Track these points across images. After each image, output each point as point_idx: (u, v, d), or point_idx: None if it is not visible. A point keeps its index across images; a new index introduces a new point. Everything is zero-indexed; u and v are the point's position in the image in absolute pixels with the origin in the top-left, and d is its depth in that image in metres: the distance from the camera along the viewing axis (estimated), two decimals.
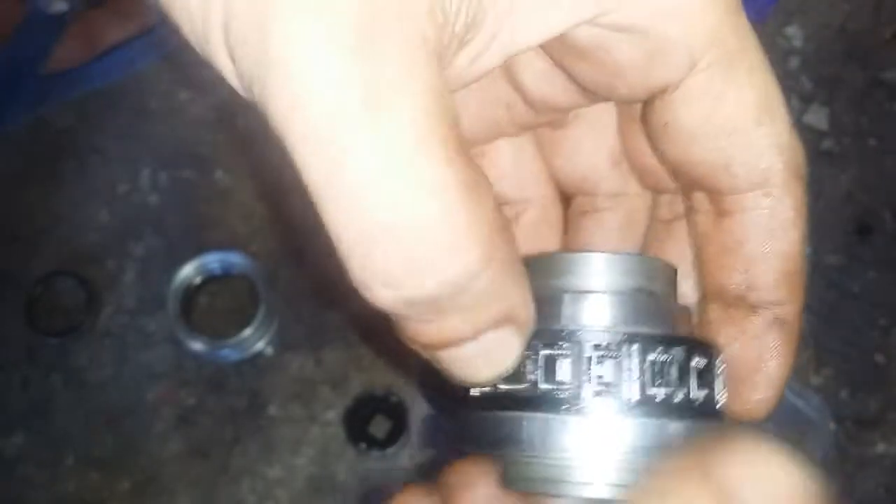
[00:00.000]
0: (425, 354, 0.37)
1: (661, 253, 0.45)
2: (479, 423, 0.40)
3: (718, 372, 0.40)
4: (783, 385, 0.42)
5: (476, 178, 0.32)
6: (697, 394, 0.38)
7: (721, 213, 0.41)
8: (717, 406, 0.39)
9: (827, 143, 0.88)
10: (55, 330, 0.89)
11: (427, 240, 0.32)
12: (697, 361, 0.39)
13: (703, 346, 0.39)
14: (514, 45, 0.35)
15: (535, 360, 0.38)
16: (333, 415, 0.86)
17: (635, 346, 0.38)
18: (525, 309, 0.37)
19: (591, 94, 0.42)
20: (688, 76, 0.37)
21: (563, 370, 0.38)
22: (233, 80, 0.32)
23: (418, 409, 0.84)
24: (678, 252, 0.45)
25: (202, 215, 0.91)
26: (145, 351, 0.88)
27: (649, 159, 0.43)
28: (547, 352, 0.38)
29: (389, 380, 0.85)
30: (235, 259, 0.88)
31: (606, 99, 0.42)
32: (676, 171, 0.42)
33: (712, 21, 0.36)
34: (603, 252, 0.41)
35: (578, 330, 0.38)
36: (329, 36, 0.30)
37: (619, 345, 0.38)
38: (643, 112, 0.41)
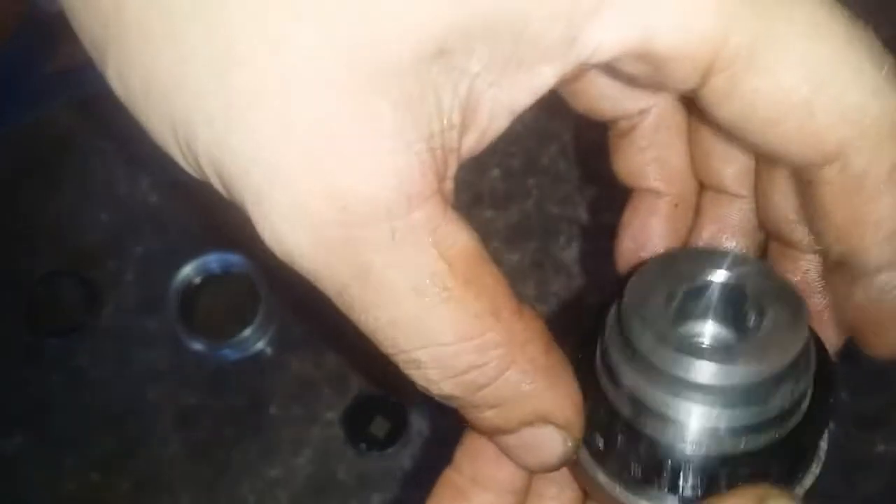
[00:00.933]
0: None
1: (768, 193, 0.41)
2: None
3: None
4: None
5: (483, 305, 0.34)
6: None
7: (806, 182, 0.37)
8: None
9: None
10: (55, 330, 0.89)
11: (444, 360, 0.35)
12: (779, 472, 0.37)
13: (791, 448, 0.38)
14: (517, 106, 0.35)
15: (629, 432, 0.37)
16: (333, 415, 0.86)
17: (710, 469, 0.36)
18: (564, 410, 0.37)
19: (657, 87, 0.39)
20: (707, 78, 0.33)
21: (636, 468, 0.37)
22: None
23: (418, 410, 0.84)
24: (781, 196, 0.41)
25: (202, 215, 0.91)
26: (145, 351, 0.88)
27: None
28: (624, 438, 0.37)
29: (389, 380, 0.85)
30: (235, 259, 0.88)
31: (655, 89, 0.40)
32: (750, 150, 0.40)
33: (708, 25, 0.32)
34: (735, 364, 0.35)
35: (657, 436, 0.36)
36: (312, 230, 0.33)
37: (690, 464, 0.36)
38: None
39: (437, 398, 0.37)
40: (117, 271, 0.90)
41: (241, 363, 0.88)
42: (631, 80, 0.38)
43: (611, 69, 0.36)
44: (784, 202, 0.40)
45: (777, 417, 0.36)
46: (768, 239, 0.44)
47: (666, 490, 0.36)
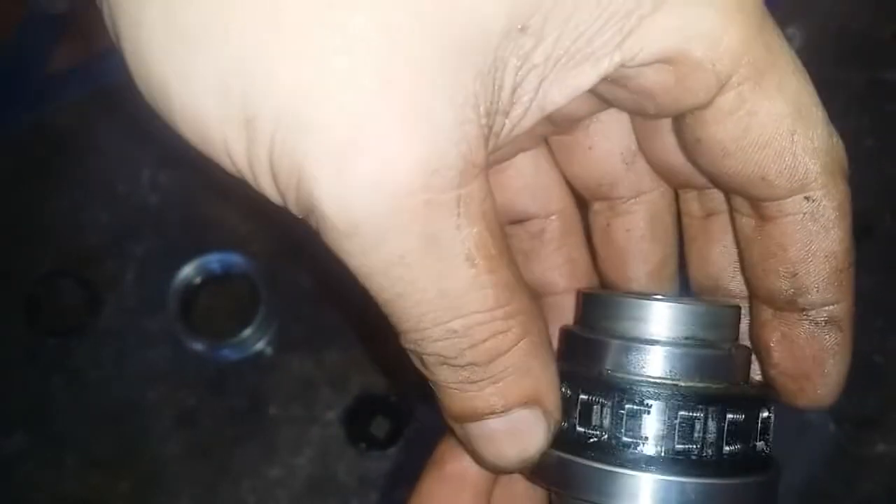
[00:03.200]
0: (459, 431, 0.40)
1: (704, 251, 0.46)
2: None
3: (760, 422, 0.40)
4: (845, 376, 0.42)
5: (511, 276, 0.36)
6: (728, 449, 0.39)
7: (762, 217, 0.40)
8: (750, 454, 0.39)
9: None
10: (55, 330, 0.89)
11: (473, 328, 0.35)
12: (734, 417, 0.39)
13: (743, 400, 0.39)
14: (549, 106, 0.36)
15: (575, 403, 0.40)
16: (333, 415, 0.86)
17: (668, 401, 0.38)
18: (552, 395, 0.39)
19: (613, 105, 0.42)
20: (718, 95, 0.36)
21: (597, 416, 0.39)
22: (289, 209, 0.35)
23: (418, 410, 0.84)
24: (720, 250, 0.45)
25: (202, 215, 0.91)
26: (145, 351, 0.88)
27: (672, 157, 0.43)
28: (584, 397, 0.39)
29: (389, 380, 0.85)
30: (235, 259, 0.88)
31: (636, 115, 0.42)
32: (713, 181, 0.42)
33: (737, 40, 0.35)
34: (658, 299, 0.41)
35: (620, 379, 0.39)
36: (376, 186, 0.32)
37: (653, 397, 0.38)
38: (675, 125, 0.41)
39: (440, 381, 0.38)
40: (117, 271, 0.90)
41: (241, 363, 0.88)
42: (642, 97, 0.38)
43: (627, 84, 0.37)
44: (722, 258, 0.45)
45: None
46: (698, 295, 0.47)
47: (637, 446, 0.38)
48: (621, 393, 0.38)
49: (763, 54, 0.36)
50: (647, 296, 0.42)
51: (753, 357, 0.43)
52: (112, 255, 0.91)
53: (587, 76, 0.35)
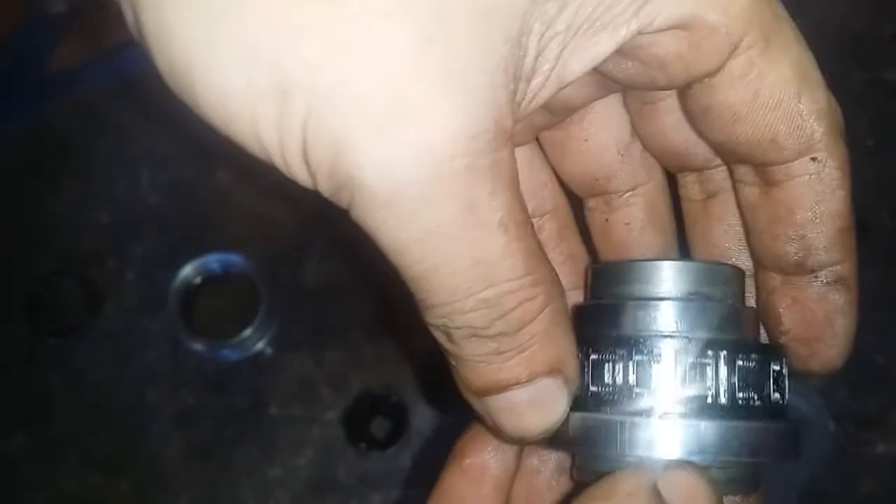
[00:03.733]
0: (480, 407, 0.39)
1: (706, 234, 0.47)
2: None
3: (772, 373, 0.41)
4: (853, 336, 0.43)
5: (536, 244, 0.36)
6: (742, 395, 0.39)
7: (769, 183, 0.41)
8: (765, 403, 0.40)
9: None
10: (55, 330, 0.89)
11: (504, 296, 0.36)
12: (745, 365, 0.40)
13: (753, 350, 0.40)
14: (568, 76, 0.36)
15: (586, 365, 0.40)
16: (333, 415, 0.86)
17: (677, 350, 0.39)
18: (573, 361, 0.39)
19: (613, 87, 0.42)
20: (728, 59, 0.37)
21: (609, 374, 0.40)
22: (316, 187, 0.34)
23: (418, 410, 0.84)
24: (723, 230, 0.46)
25: (202, 215, 0.91)
26: (145, 351, 0.88)
27: (672, 137, 0.44)
28: (595, 356, 0.40)
29: (389, 380, 0.85)
30: (235, 259, 0.88)
31: (644, 89, 0.43)
32: (720, 150, 0.43)
33: (747, 4, 0.36)
34: (666, 260, 0.42)
35: (629, 335, 0.40)
36: (414, 159, 0.32)
37: (663, 348, 0.39)
38: (681, 98, 0.42)
39: (466, 355, 0.38)
40: (117, 271, 0.90)
41: (241, 363, 0.88)
42: (653, 68, 0.39)
43: (639, 54, 0.38)
44: (725, 238, 0.46)
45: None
46: None
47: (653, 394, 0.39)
48: (630, 347, 0.39)
49: (770, 19, 0.37)
50: (651, 259, 0.43)
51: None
52: (112, 255, 0.91)
53: (605, 44, 0.36)
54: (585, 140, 0.45)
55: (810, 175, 0.40)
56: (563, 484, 0.45)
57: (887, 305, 0.84)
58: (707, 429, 0.38)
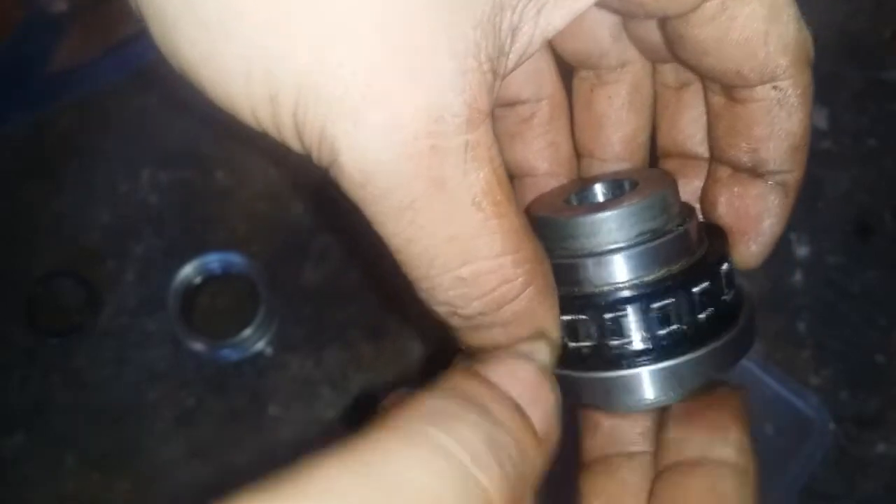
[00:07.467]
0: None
1: (675, 118, 0.49)
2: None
3: (724, 277, 0.43)
4: (776, 242, 0.46)
5: (519, 223, 0.37)
6: (702, 316, 0.42)
7: (732, 99, 0.44)
8: (724, 311, 0.43)
9: (826, 143, 0.88)
10: (55, 330, 0.89)
11: (482, 275, 0.37)
12: (700, 288, 0.42)
13: (703, 269, 0.42)
14: (550, 31, 0.38)
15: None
16: (333, 415, 0.86)
17: (639, 300, 0.41)
18: (555, 330, 0.41)
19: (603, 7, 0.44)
20: (703, 1, 0.39)
21: (584, 332, 0.42)
22: (306, 153, 0.37)
23: None
24: (690, 118, 0.49)
25: (202, 215, 0.91)
26: (145, 351, 0.88)
27: (653, 36, 0.46)
28: (567, 317, 0.42)
29: (389, 380, 0.85)
30: (235, 259, 0.88)
31: (623, 15, 0.45)
32: (691, 69, 0.46)
33: None
34: (602, 209, 0.44)
35: (591, 293, 0.42)
36: (392, 133, 0.34)
37: (625, 301, 0.41)
38: (659, 22, 0.44)
39: (451, 324, 0.39)
40: (117, 271, 0.90)
41: (241, 363, 0.88)
42: (633, 5, 0.41)
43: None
44: (691, 126, 0.49)
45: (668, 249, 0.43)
46: (663, 158, 0.51)
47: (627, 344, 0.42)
48: (596, 307, 0.42)
49: None
50: (592, 208, 0.45)
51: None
52: (112, 255, 0.91)
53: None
54: (580, 20, 0.48)
55: (770, 100, 0.43)
56: None
57: (888, 306, 0.84)
58: (680, 367, 0.41)
